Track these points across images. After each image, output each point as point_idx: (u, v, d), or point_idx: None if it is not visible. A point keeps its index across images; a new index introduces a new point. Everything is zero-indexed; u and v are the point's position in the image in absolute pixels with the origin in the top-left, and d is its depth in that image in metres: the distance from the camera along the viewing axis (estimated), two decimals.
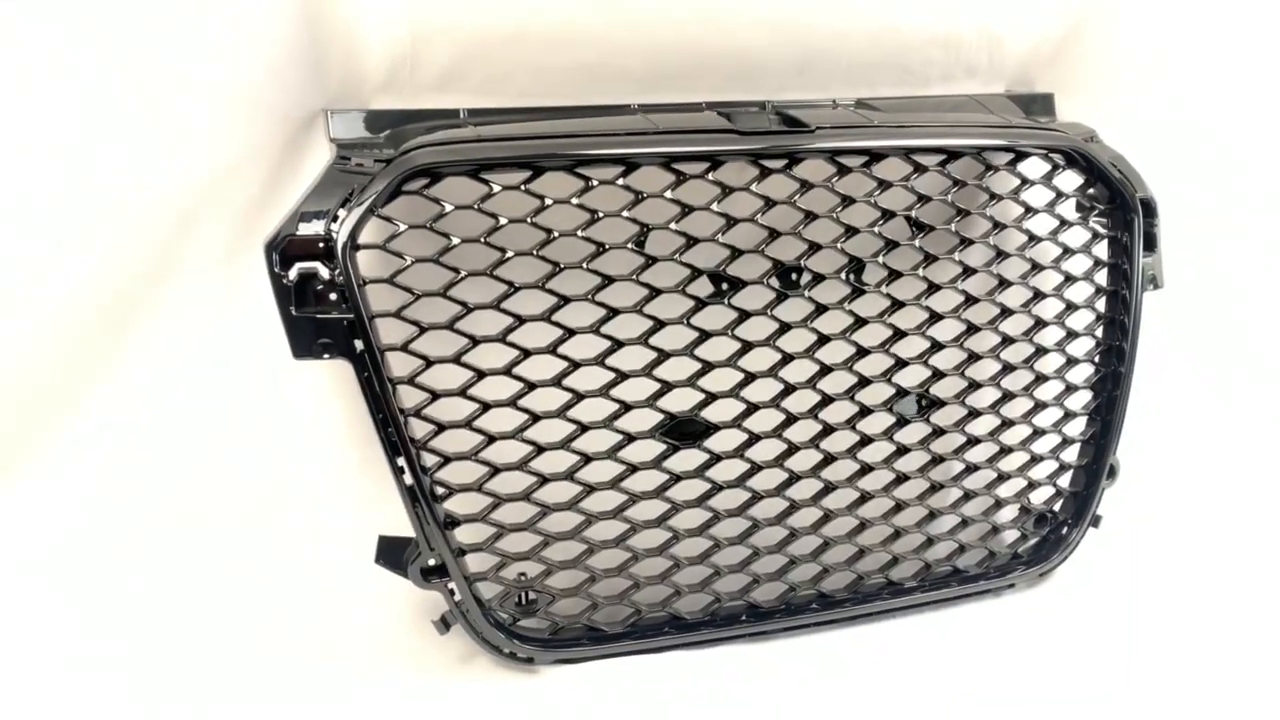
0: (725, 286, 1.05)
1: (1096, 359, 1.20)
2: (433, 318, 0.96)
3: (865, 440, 1.11)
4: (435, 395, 0.96)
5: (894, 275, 1.10)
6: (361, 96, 1.08)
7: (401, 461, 0.94)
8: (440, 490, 0.97)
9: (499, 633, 1.01)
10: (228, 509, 1.08)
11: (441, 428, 0.97)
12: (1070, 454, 1.21)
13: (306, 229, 0.92)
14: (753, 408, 1.06)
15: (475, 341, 0.97)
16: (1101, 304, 1.20)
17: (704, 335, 1.04)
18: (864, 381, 1.10)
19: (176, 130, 1.00)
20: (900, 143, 1.09)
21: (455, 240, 0.96)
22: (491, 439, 0.98)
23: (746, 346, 1.05)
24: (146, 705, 0.98)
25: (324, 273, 0.92)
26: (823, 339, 1.08)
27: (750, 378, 1.06)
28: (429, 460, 0.97)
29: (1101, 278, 1.20)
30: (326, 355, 0.92)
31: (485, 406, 0.98)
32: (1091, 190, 1.19)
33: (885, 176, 1.09)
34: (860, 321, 1.09)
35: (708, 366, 1.04)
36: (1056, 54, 1.30)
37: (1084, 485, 1.21)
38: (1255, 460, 1.41)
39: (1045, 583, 1.22)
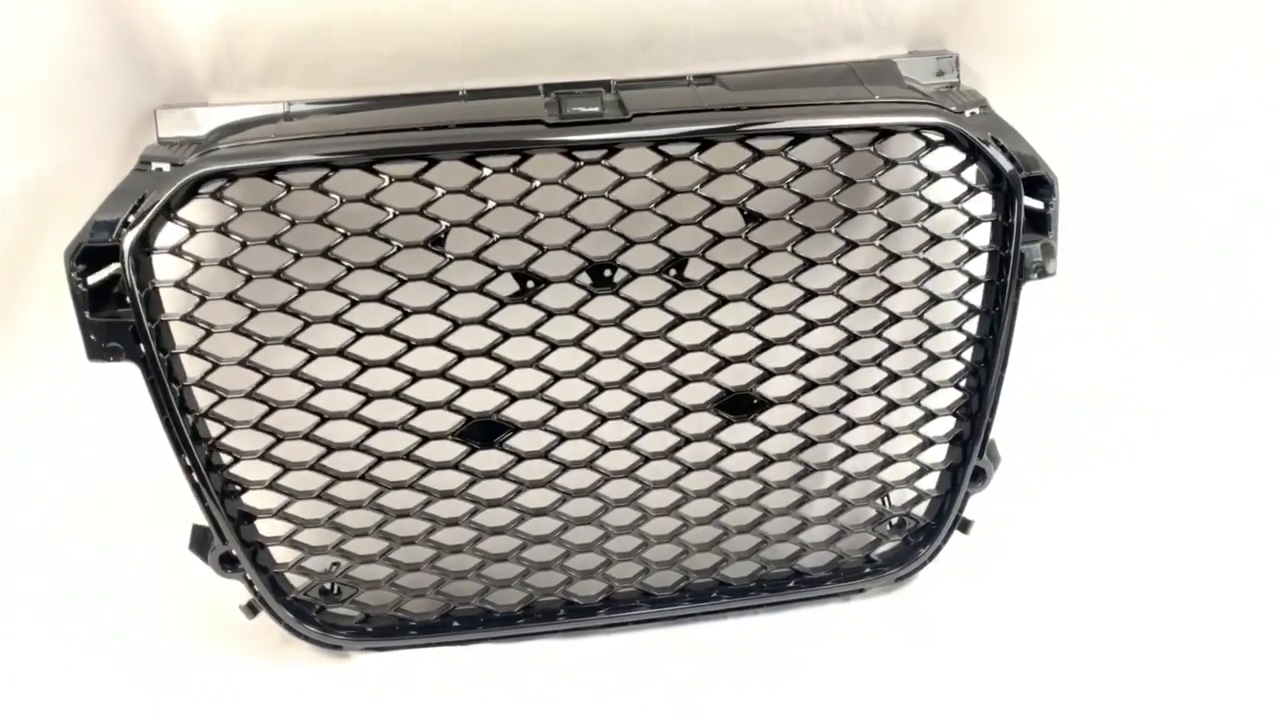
0: (530, 284, 1.03)
1: (966, 355, 1.11)
2: (225, 320, 0.99)
3: (686, 441, 1.07)
4: (223, 396, 0.99)
5: (721, 270, 1.04)
6: (196, 92, 1.09)
7: (187, 460, 0.98)
8: (236, 487, 1.02)
9: (300, 621, 1.06)
10: (75, 494, 1.16)
11: (229, 428, 1.00)
12: (935, 455, 1.14)
13: (97, 236, 0.95)
14: (559, 408, 1.04)
15: (261, 344, 0.99)
16: (978, 294, 1.10)
17: (505, 335, 1.02)
18: (683, 381, 1.06)
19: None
20: (726, 126, 1.01)
21: (236, 242, 0.98)
22: (279, 439, 1.01)
23: (552, 346, 1.03)
24: None
25: (120, 278, 0.96)
26: (638, 338, 1.04)
27: (556, 378, 1.04)
28: (225, 458, 1.01)
29: (979, 266, 1.10)
30: (112, 358, 0.96)
31: (272, 408, 1.00)
32: (977, 168, 1.08)
33: (720, 164, 1.03)
34: (680, 320, 1.04)
35: (509, 367, 1.03)
36: (963, 7, 1.17)
37: (949, 487, 1.13)
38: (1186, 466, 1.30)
39: (901, 588, 1.16)
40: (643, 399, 1.06)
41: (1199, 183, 1.25)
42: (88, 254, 0.95)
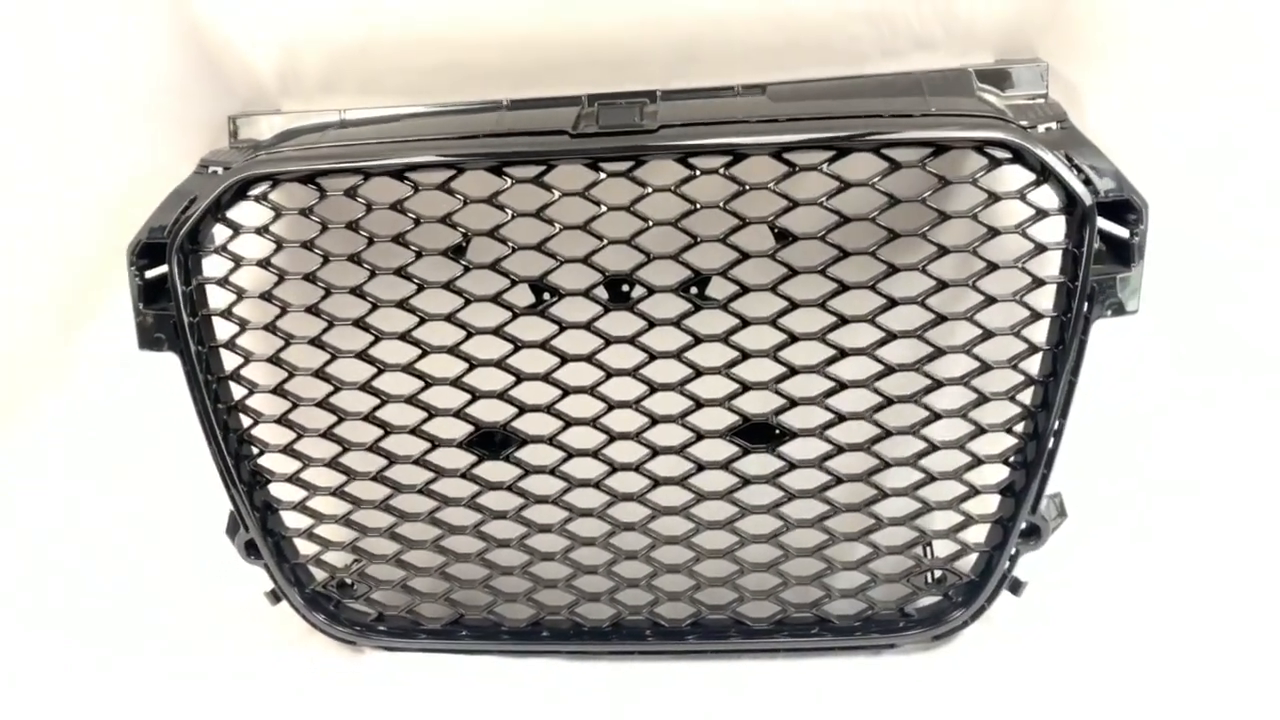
0: (547, 296, 1.01)
1: (1023, 398, 0.99)
2: (258, 317, 1.04)
3: (699, 467, 1.02)
4: (251, 390, 1.04)
5: (745, 290, 0.99)
6: (270, 101, 1.15)
7: (215, 448, 1.03)
8: (262, 478, 1.06)
9: (317, 614, 1.09)
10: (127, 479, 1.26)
11: (256, 420, 1.04)
12: (985, 505, 1.02)
13: (153, 234, 1.02)
14: (567, 424, 1.02)
15: (287, 342, 1.03)
16: (1041, 330, 0.99)
17: (517, 346, 1.01)
18: (699, 405, 1.01)
19: (94, 145, 1.15)
20: (754, 139, 0.96)
21: (274, 243, 1.02)
22: (300, 435, 1.04)
23: (563, 361, 1.01)
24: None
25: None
26: (652, 357, 1.01)
27: (566, 393, 1.02)
28: (253, 450, 1.06)
29: (1044, 298, 0.98)
30: (157, 348, 1.02)
31: (295, 404, 1.04)
32: (1048, 189, 0.97)
33: (751, 178, 0.98)
34: (698, 340, 1.00)
35: (518, 379, 1.02)
36: (1053, 12, 1.06)
37: (998, 543, 1.02)
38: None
39: (939, 648, 1.06)
40: (654, 420, 1.02)
41: None
42: (146, 250, 1.02)
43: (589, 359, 1.01)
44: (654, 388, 1.01)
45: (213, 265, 1.04)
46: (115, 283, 1.18)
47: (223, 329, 1.04)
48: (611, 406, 1.02)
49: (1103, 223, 0.95)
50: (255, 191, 1.02)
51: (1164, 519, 1.14)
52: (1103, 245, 0.96)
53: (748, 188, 0.97)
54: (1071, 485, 1.03)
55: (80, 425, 1.25)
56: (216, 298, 1.04)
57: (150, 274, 1.02)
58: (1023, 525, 1.00)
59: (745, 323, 0.99)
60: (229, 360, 1.05)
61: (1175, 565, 1.11)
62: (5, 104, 1.14)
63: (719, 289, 0.99)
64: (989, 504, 1.03)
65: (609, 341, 1.00)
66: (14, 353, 1.24)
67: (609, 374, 1.01)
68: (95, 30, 1.11)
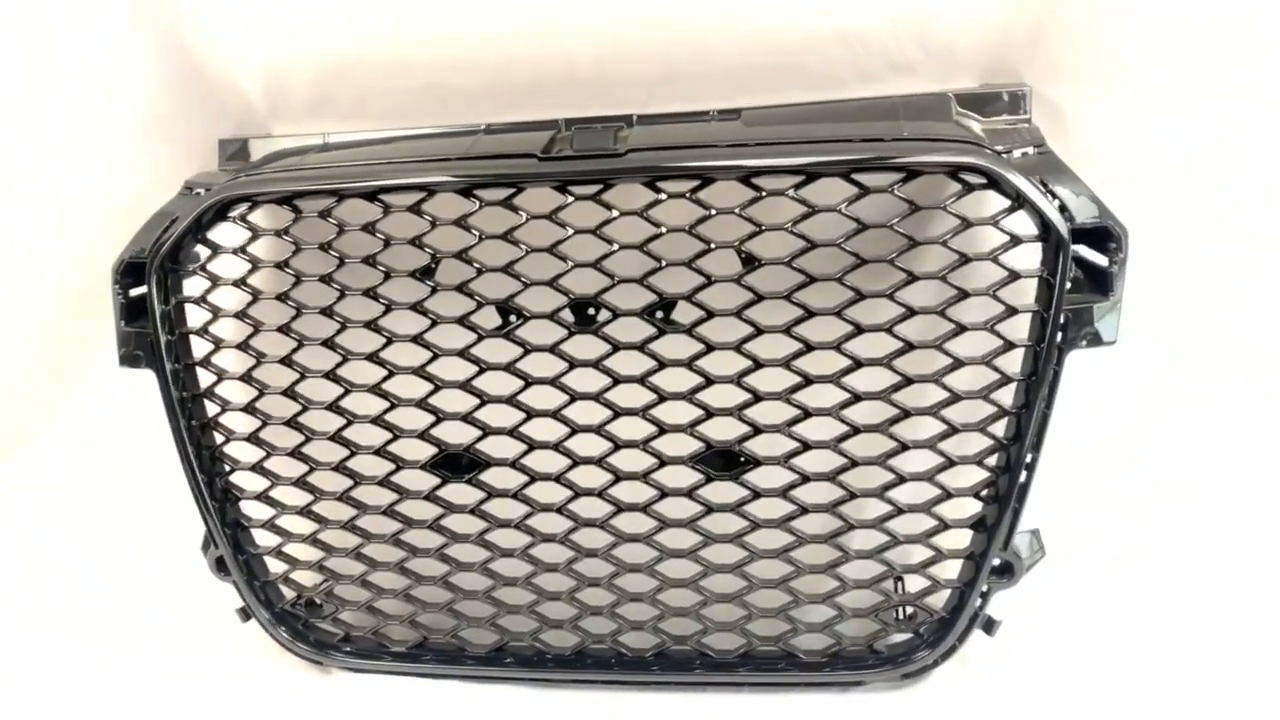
0: (513, 319, 1.01)
1: (996, 429, 0.96)
2: (232, 336, 1.05)
3: (663, 494, 1.01)
4: (223, 407, 1.05)
5: (710, 315, 0.97)
6: (260, 124, 1.18)
7: (186, 465, 1.05)
8: (233, 495, 1.07)
9: (280, 629, 1.09)
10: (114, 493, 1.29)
11: (228, 438, 1.06)
12: (957, 540, 0.99)
13: (136, 253, 1.04)
14: (531, 447, 1.02)
15: (258, 360, 1.04)
16: (1016, 360, 0.96)
17: (481, 369, 1.01)
18: (662, 430, 1.00)
19: (89, 168, 1.19)
20: (724, 163, 0.95)
21: (250, 264, 1.04)
22: (268, 454, 1.05)
23: (527, 383, 1.01)
24: None
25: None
26: (616, 381, 1.00)
27: (529, 416, 1.01)
28: (226, 467, 1.07)
29: (1018, 327, 0.95)
30: (135, 365, 1.04)
31: (264, 422, 1.05)
32: (1024, 215, 0.95)
33: (720, 202, 0.97)
34: (662, 365, 0.99)
35: (483, 401, 1.01)
36: (1036, 35, 1.04)
37: (969, 579, 0.98)
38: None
39: (908, 687, 1.02)
40: (617, 445, 1.01)
41: None
42: (130, 269, 1.04)
43: (553, 382, 1.00)
44: (618, 412, 1.00)
45: (193, 285, 1.06)
46: (108, 300, 1.23)
47: (199, 347, 1.06)
48: (575, 430, 1.01)
49: (1082, 250, 0.93)
50: (234, 212, 1.04)
51: (1152, 542, 1.10)
52: (1080, 273, 0.93)
53: (714, 212, 0.96)
54: (1049, 518, 0.99)
55: (80, 431, 1.28)
56: (195, 317, 1.06)
57: (134, 293, 1.05)
58: (995, 561, 0.97)
59: (710, 348, 0.98)
60: (204, 378, 1.06)
61: (1160, 599, 1.06)
62: (1, 127, 1.18)
63: (684, 314, 0.98)
64: (960, 539, 1.00)
65: (573, 365, 1.00)
66: (16, 358, 1.28)
67: (573, 397, 1.00)
68: (88, 57, 1.15)
